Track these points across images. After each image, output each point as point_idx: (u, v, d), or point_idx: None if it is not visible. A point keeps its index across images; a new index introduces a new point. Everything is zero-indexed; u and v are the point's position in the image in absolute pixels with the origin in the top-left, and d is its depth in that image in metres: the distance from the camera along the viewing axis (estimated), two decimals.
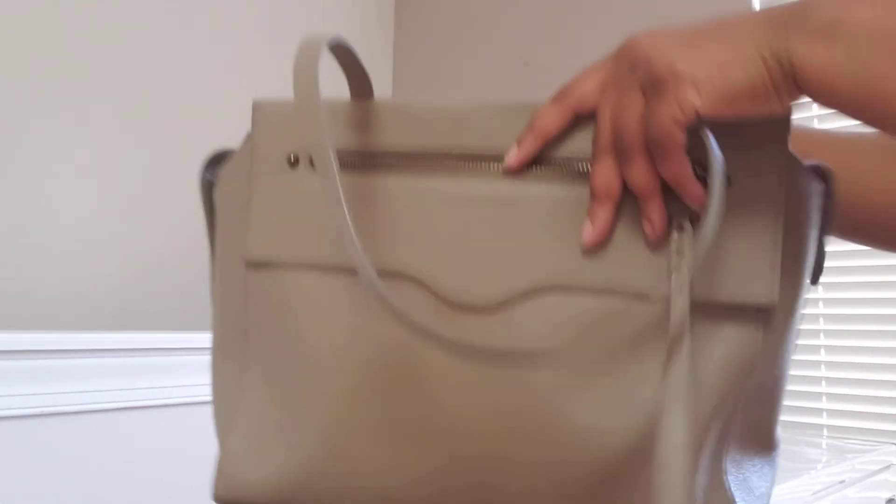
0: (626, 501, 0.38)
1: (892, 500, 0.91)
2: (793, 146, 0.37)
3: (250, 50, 1.61)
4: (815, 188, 0.38)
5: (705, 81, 0.33)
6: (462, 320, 0.38)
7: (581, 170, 0.38)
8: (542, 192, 0.38)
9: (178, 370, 1.10)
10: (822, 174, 0.38)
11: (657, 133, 0.34)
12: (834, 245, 0.50)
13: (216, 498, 0.44)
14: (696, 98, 0.33)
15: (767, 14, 0.34)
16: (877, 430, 1.25)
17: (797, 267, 0.38)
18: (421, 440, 0.39)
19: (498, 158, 0.39)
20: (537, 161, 0.39)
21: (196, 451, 1.16)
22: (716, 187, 0.34)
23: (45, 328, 1.24)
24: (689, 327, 0.35)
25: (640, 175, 0.36)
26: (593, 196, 0.37)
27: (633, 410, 0.37)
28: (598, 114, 0.37)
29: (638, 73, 0.35)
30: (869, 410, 1.28)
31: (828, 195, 0.38)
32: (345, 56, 0.40)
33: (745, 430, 0.39)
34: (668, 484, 0.32)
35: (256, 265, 0.43)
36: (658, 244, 0.37)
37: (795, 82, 0.32)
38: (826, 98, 0.32)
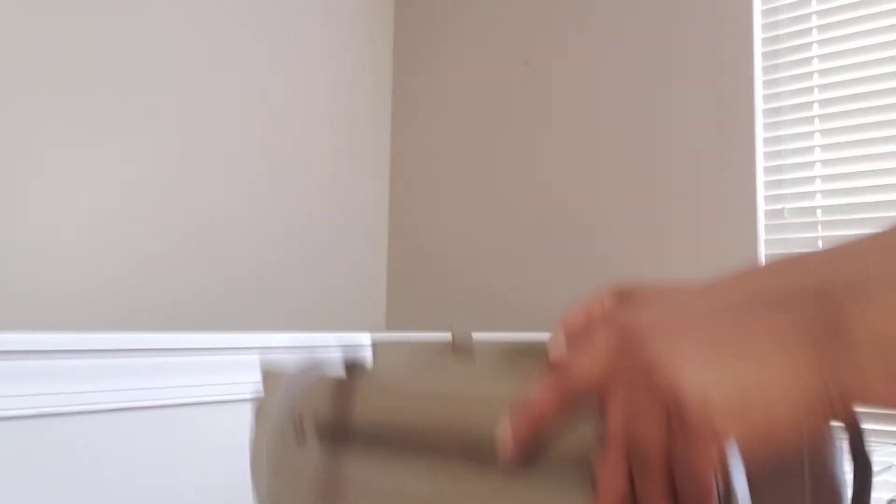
0: None
1: (893, 500, 0.91)
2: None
3: (252, 49, 1.61)
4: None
5: (744, 418, 0.29)
6: None
7: (581, 470, 0.34)
8: (538, 490, 0.35)
9: (178, 370, 1.10)
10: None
11: (692, 481, 0.30)
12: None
13: None
14: (734, 442, 0.29)
15: (789, 315, 0.31)
16: (877, 430, 1.25)
17: None
18: None
19: (486, 448, 0.35)
20: (533, 453, 0.34)
21: (196, 451, 1.16)
22: None
23: (45, 328, 1.24)
24: None
25: (658, 494, 0.32)
26: (597, 494, 0.33)
27: None
28: (607, 410, 0.33)
29: (651, 383, 0.31)
30: (869, 410, 1.28)
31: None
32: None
33: None
34: None
35: None
36: None
37: (847, 406, 0.30)
38: (883, 408, 0.31)
